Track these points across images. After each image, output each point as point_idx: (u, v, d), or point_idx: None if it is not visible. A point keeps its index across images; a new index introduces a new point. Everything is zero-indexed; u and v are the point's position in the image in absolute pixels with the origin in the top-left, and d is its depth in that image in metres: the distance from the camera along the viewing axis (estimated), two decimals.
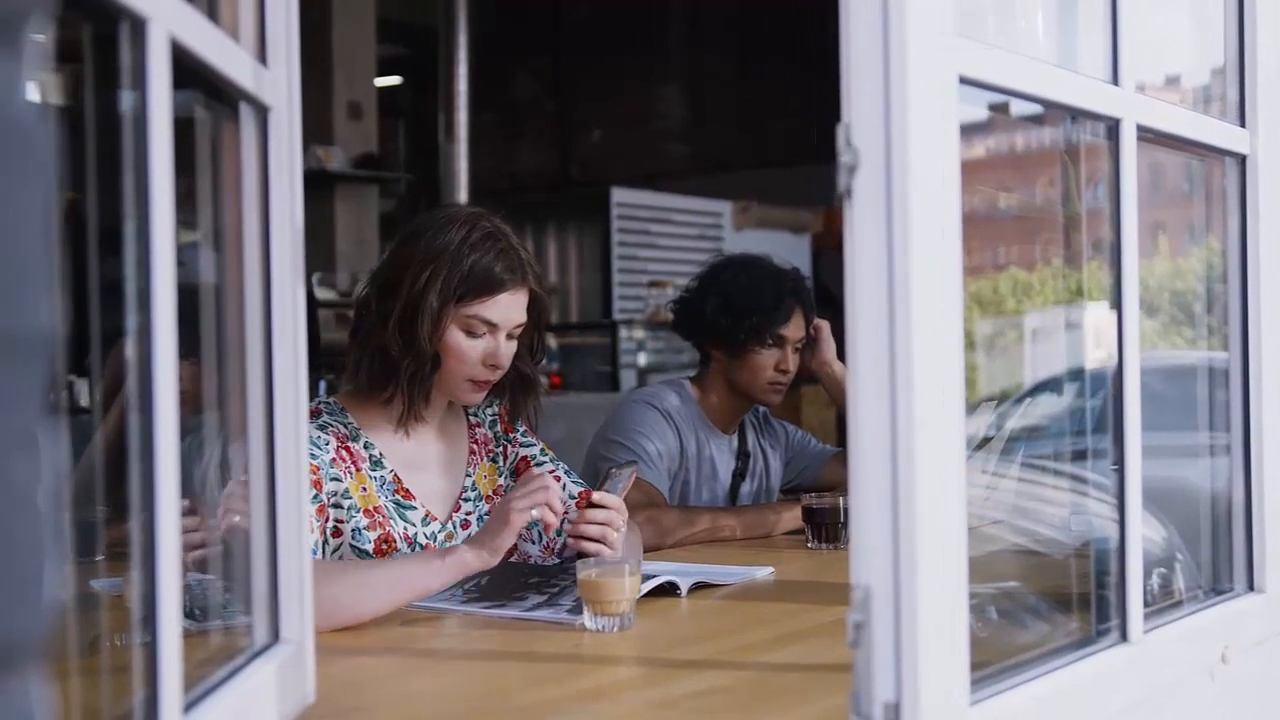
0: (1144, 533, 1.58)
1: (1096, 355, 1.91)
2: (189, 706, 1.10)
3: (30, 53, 0.61)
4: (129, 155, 1.02)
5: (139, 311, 1.02)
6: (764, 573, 2.37)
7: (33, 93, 0.61)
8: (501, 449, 2.42)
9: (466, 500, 2.34)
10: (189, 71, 1.13)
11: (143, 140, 1.02)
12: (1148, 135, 1.59)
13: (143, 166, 1.02)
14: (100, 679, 1.22)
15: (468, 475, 2.35)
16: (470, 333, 2.20)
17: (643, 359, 7.62)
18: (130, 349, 1.02)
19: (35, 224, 0.60)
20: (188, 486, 1.08)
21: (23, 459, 0.59)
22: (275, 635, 1.38)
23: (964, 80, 1.25)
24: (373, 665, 1.77)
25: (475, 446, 2.39)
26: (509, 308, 2.22)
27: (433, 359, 2.19)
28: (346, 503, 2.16)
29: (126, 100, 1.03)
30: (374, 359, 2.21)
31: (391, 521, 2.20)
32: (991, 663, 1.34)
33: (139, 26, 1.00)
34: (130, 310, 1.03)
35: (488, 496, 2.36)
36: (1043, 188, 2.04)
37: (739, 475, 3.15)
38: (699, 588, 2.19)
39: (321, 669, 1.45)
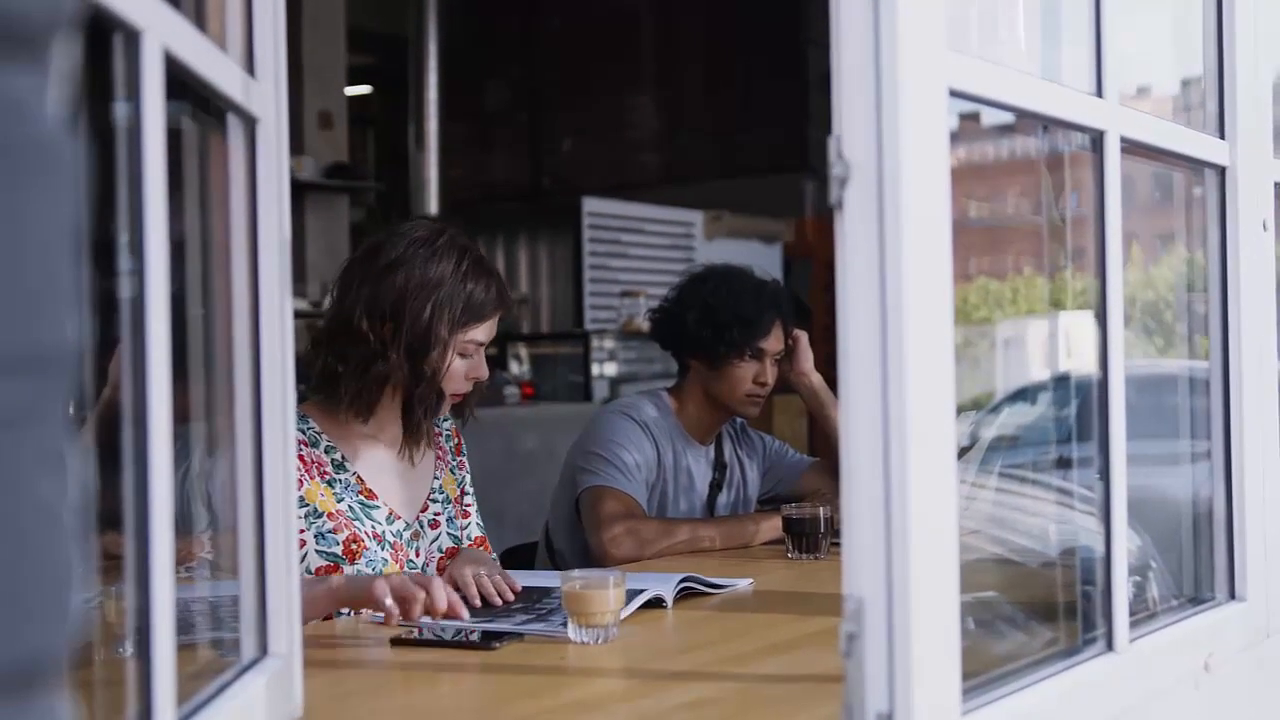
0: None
1: (1070, 364, 1.92)
2: None
3: (55, 70, 0.60)
4: (122, 166, 1.02)
5: (133, 323, 1.01)
6: (744, 584, 2.37)
7: (58, 109, 0.61)
8: (458, 462, 2.53)
9: (435, 501, 2.42)
10: (178, 82, 1.12)
11: (136, 151, 1.01)
12: (1129, 147, 1.60)
13: (136, 177, 1.01)
14: (89, 692, 1.21)
15: (435, 478, 2.43)
16: (462, 355, 2.30)
17: (614, 369, 7.61)
18: (124, 362, 1.01)
19: (63, 240, 0.59)
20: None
21: (50, 475, 0.59)
22: (263, 649, 1.37)
23: (954, 92, 1.26)
24: (360, 679, 1.76)
25: (440, 452, 2.47)
26: (494, 326, 2.35)
27: (440, 389, 2.28)
28: (303, 510, 2.20)
29: (119, 111, 1.02)
30: (377, 386, 2.27)
31: (357, 521, 2.26)
32: (982, 672, 1.35)
33: (133, 38, 1.00)
34: (123, 322, 1.02)
35: (454, 500, 2.46)
36: (1014, 197, 2.05)
37: (716, 486, 3.15)
38: (685, 596, 2.19)
39: (309, 683, 1.45)
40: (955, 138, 1.53)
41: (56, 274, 0.59)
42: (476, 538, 2.47)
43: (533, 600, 2.15)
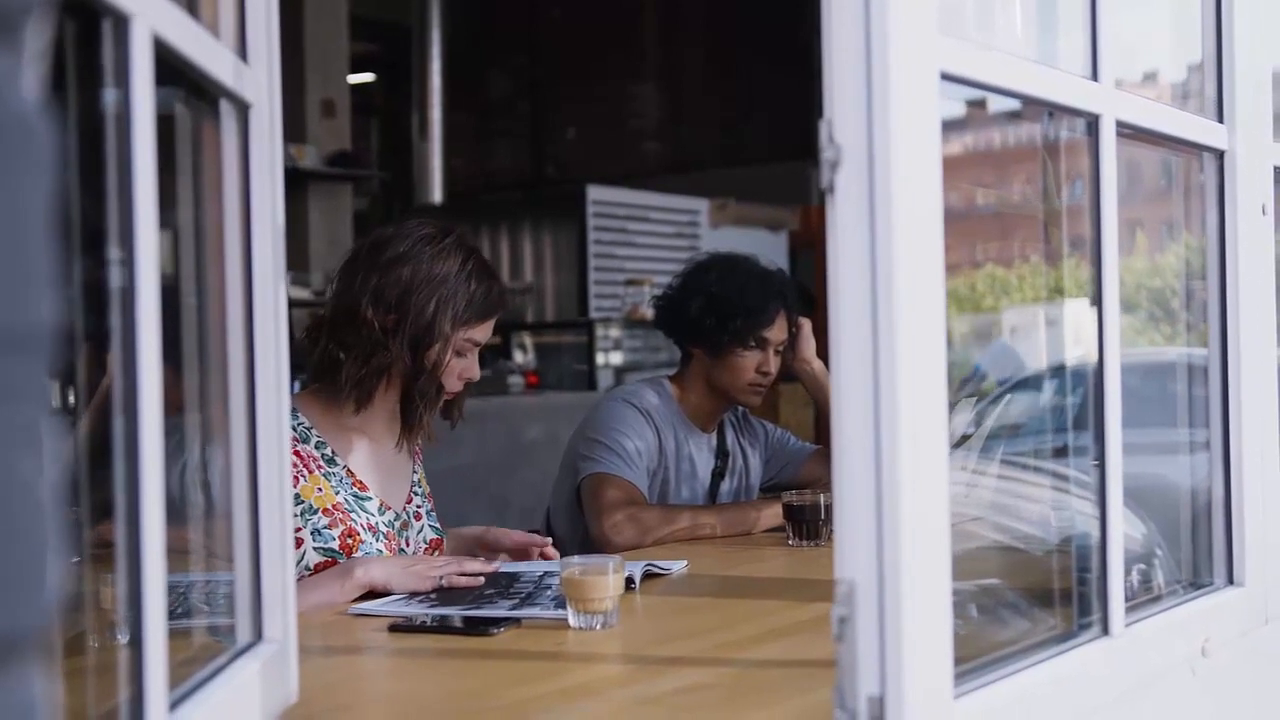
0: (1124, 529, 1.59)
1: (1075, 352, 1.92)
2: (173, 705, 1.10)
3: (29, 50, 0.61)
4: (111, 153, 1.02)
5: (122, 312, 1.01)
6: (679, 565, 2.40)
7: (32, 90, 0.61)
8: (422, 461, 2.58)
9: (416, 494, 2.47)
10: (169, 68, 1.12)
11: (126, 138, 1.01)
12: (1126, 131, 1.60)
13: (125, 164, 1.01)
14: (82, 679, 1.22)
15: (415, 472, 2.49)
16: (459, 353, 2.34)
17: (619, 358, 7.61)
18: (114, 351, 1.01)
19: (37, 220, 0.60)
20: (167, 488, 1.08)
21: (27, 453, 0.60)
22: (258, 634, 1.37)
23: (946, 76, 1.26)
24: (356, 664, 1.77)
25: (417, 450, 2.52)
26: (490, 328, 2.39)
27: (439, 382, 2.31)
28: (299, 507, 2.22)
29: (108, 97, 1.02)
30: (376, 376, 2.30)
31: (353, 515, 2.29)
32: (976, 657, 1.35)
33: (122, 23, 1.00)
34: (112, 310, 1.02)
35: (429, 495, 2.51)
36: (1020, 184, 2.04)
37: (718, 474, 3.15)
38: (648, 578, 2.24)
39: (304, 668, 1.45)
40: (962, 125, 1.53)
41: (31, 254, 0.60)
42: (432, 539, 2.48)
43: (504, 585, 2.15)
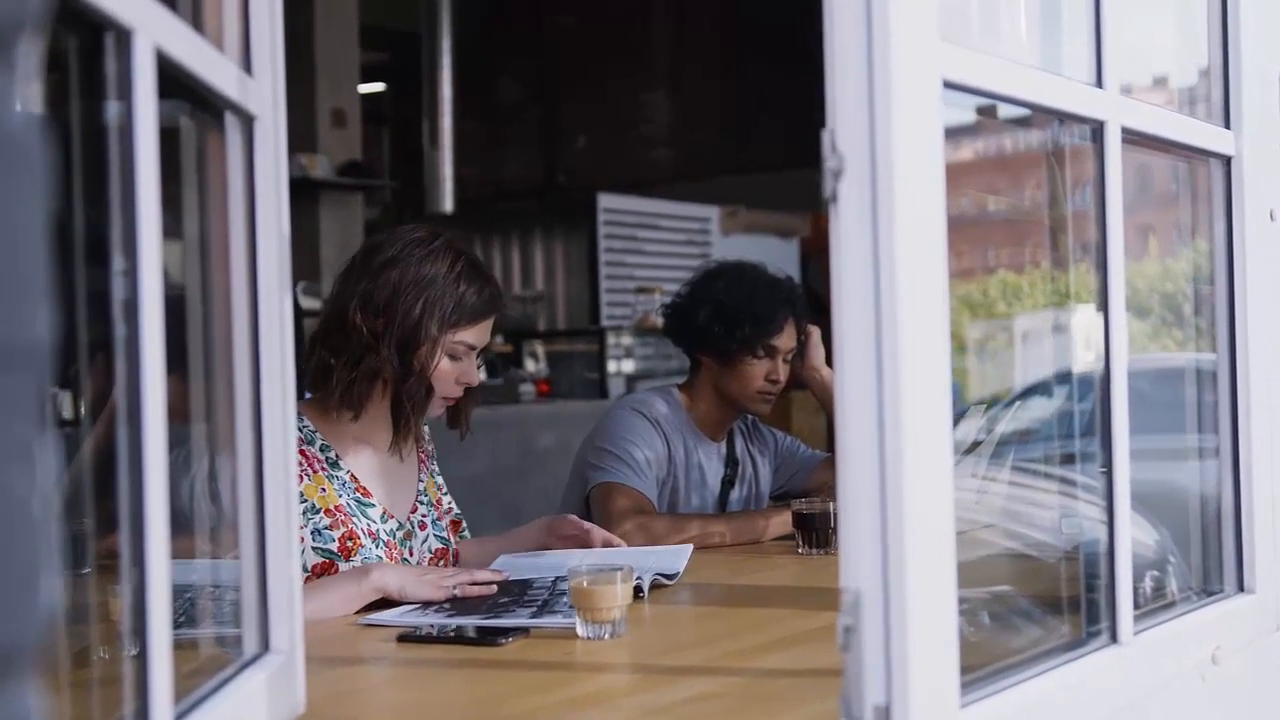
0: (1136, 536, 1.58)
1: (1086, 358, 1.91)
2: (179, 717, 1.10)
3: (24, 65, 0.61)
4: (114, 165, 1.02)
5: (126, 323, 1.01)
6: (685, 551, 2.43)
7: (26, 104, 0.61)
8: (435, 468, 2.56)
9: (422, 503, 2.46)
10: (173, 81, 1.13)
11: (129, 150, 1.01)
12: (1132, 137, 1.59)
13: (129, 176, 1.02)
14: (89, 690, 1.22)
15: (420, 481, 2.48)
16: (452, 356, 2.33)
17: (631, 365, 7.61)
18: (118, 361, 1.02)
19: (31, 235, 0.60)
20: (175, 499, 1.08)
21: (20, 469, 0.60)
22: (265, 645, 1.37)
23: (948, 84, 1.26)
24: (363, 675, 1.77)
25: (423, 457, 2.52)
26: (487, 331, 2.38)
27: (428, 385, 2.31)
28: (302, 505, 2.23)
29: (111, 110, 1.03)
30: (366, 380, 2.29)
31: (354, 519, 2.29)
32: (983, 665, 1.34)
33: (124, 37, 1.00)
34: (117, 322, 1.02)
35: (435, 503, 2.50)
36: (1032, 190, 2.04)
37: (728, 482, 3.14)
38: (655, 587, 2.23)
39: (311, 679, 1.45)
40: (973, 131, 1.53)
41: (25, 269, 0.60)
42: (437, 549, 2.48)
43: (518, 594, 2.15)
